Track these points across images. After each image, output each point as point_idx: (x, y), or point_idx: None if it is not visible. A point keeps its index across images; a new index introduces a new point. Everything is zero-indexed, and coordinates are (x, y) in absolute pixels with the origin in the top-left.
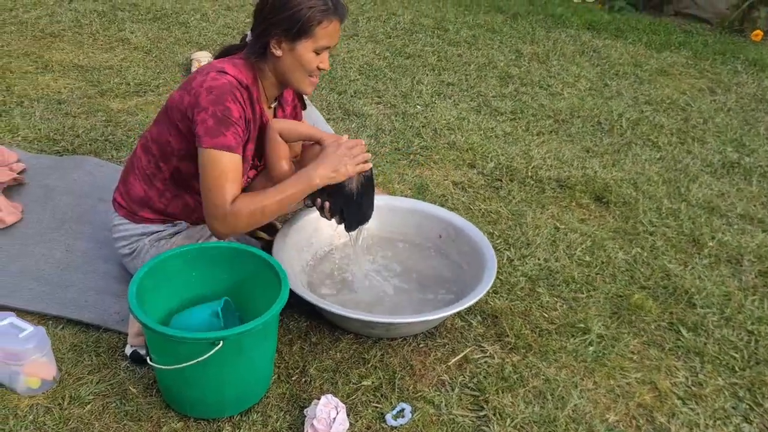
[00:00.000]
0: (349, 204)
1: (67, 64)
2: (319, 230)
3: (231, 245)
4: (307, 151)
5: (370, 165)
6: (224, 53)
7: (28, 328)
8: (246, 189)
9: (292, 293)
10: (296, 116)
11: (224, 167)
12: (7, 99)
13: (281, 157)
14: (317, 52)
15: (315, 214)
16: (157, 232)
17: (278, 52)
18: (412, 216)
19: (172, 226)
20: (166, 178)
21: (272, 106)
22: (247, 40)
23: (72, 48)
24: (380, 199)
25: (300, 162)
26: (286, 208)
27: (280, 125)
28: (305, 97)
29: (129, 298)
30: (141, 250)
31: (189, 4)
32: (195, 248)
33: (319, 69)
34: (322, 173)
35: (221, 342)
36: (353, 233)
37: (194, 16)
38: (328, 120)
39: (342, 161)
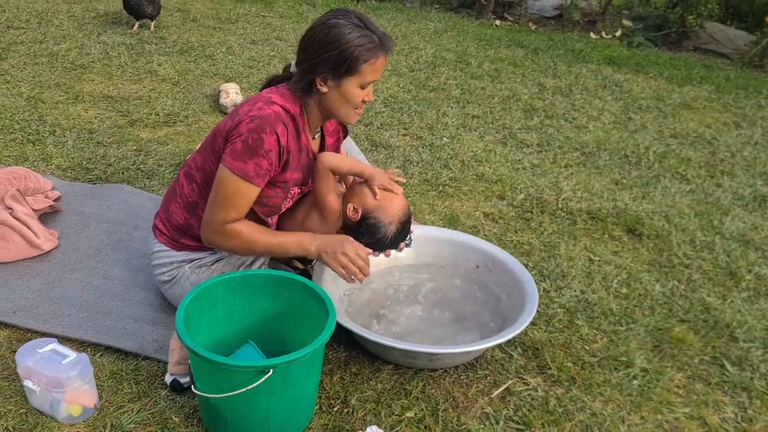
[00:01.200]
0: (382, 246)
1: (97, 94)
2: None
3: (274, 273)
4: (354, 187)
5: (357, 284)
6: (269, 83)
7: (71, 354)
8: (290, 209)
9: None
10: (338, 145)
11: (234, 192)
12: (40, 128)
13: (330, 189)
14: (363, 87)
15: None
16: (198, 259)
17: (324, 89)
18: (449, 246)
19: (212, 253)
20: None
21: (315, 136)
22: (291, 70)
23: (101, 79)
24: (417, 229)
25: (345, 197)
26: (272, 255)
27: (330, 158)
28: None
29: (177, 325)
30: (181, 278)
31: (214, 37)
32: (239, 276)
33: (363, 102)
34: (319, 248)
35: (270, 370)
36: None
37: (220, 50)
38: None
39: (337, 257)
